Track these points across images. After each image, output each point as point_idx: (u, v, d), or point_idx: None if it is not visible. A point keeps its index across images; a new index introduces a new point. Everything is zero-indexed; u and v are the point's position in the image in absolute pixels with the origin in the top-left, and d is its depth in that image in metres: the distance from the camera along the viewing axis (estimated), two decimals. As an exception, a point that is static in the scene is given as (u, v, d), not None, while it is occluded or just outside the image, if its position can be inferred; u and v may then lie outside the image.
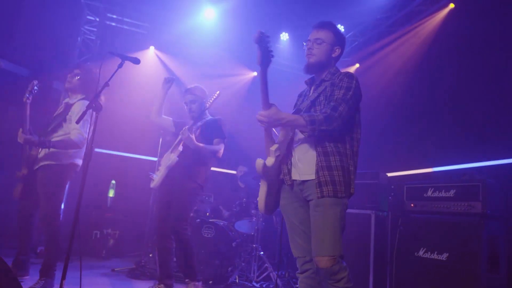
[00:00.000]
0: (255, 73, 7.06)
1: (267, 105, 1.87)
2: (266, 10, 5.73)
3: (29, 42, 5.36)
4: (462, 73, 4.29)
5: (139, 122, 5.90)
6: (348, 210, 4.09)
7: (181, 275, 3.85)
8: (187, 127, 3.06)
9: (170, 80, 3.30)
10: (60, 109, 3.22)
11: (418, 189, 3.56)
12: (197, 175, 3.19)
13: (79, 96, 3.21)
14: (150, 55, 6.27)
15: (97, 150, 5.81)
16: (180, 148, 3.13)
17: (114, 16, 5.84)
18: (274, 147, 1.98)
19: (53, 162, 3.06)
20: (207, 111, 3.37)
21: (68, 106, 3.14)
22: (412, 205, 3.58)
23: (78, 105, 3.12)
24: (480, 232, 2.88)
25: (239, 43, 6.25)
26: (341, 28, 5.93)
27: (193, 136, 3.04)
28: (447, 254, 3.06)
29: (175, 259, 3.22)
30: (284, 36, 6.33)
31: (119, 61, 2.55)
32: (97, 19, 5.78)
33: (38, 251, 4.59)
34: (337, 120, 1.85)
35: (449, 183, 3.30)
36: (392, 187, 3.86)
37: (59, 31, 5.56)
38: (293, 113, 2.11)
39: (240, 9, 5.62)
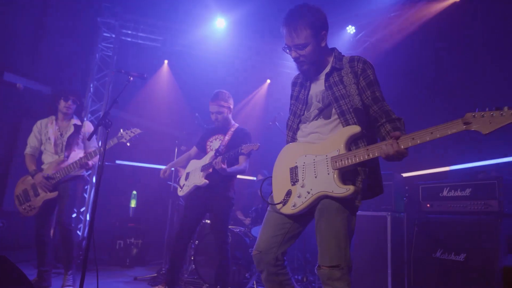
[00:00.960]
0: (268, 81, 7.20)
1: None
2: (276, 15, 5.78)
3: (50, 61, 5.64)
4: (476, 67, 4.19)
5: (157, 133, 6.08)
6: (364, 212, 4.08)
7: (197, 281, 3.95)
8: (220, 158, 3.06)
9: (164, 174, 3.49)
10: (69, 130, 3.54)
11: (433, 189, 3.50)
12: (227, 190, 3.30)
13: (72, 119, 3.63)
14: (164, 69, 6.46)
15: (118, 162, 6.03)
16: (210, 170, 3.22)
17: (129, 32, 6.05)
18: None
19: (75, 174, 3.44)
20: (231, 119, 3.46)
21: (78, 127, 3.53)
22: (428, 205, 3.52)
23: (88, 125, 3.59)
24: (497, 231, 2.81)
25: (252, 51, 6.32)
26: (351, 29, 5.91)
27: (225, 166, 3.09)
28: (465, 254, 2.99)
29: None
30: (295, 40, 6.36)
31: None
32: (113, 36, 6.01)
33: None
34: None
35: (465, 181, 3.23)
36: (407, 188, 3.80)
37: (78, 49, 5.83)
38: (295, 107, 2.02)
39: (251, 16, 5.70)
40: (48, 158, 3.49)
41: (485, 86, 4.04)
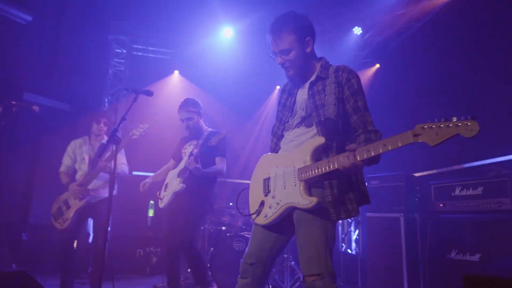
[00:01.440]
0: (278, 87, 7.26)
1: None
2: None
3: (66, 79, 5.86)
4: (488, 63, 4.11)
5: (170, 142, 6.20)
6: (376, 214, 4.07)
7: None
8: (192, 157, 3.04)
9: (143, 187, 3.44)
10: (95, 149, 3.84)
11: (445, 188, 3.47)
12: (204, 195, 3.26)
13: (103, 139, 3.89)
14: (175, 79, 6.61)
15: (135, 173, 6.17)
16: (186, 174, 3.18)
17: (140, 47, 6.25)
18: None
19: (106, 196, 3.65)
20: (204, 124, 3.43)
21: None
22: (441, 205, 3.48)
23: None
24: (511, 229, 2.76)
25: (259, 58, 6.37)
26: (358, 30, 5.90)
27: (199, 165, 3.04)
28: (479, 254, 2.95)
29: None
30: (303, 44, 6.38)
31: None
32: (124, 51, 6.22)
33: (89, 271, 4.96)
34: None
35: (476, 179, 3.19)
36: (417, 188, 3.77)
37: (92, 66, 6.04)
38: (281, 114, 2.03)
39: (257, 24, 5.77)
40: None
41: (500, 81, 3.96)
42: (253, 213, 1.92)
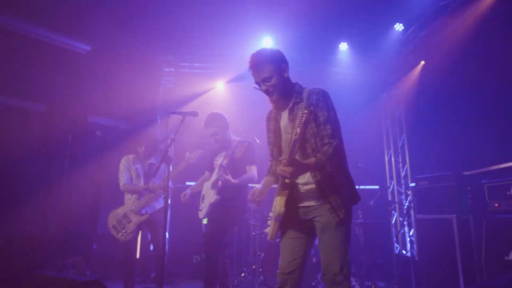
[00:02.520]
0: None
1: (291, 160, 1.93)
2: (323, 23, 5.86)
3: (123, 99, 6.39)
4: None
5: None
6: (427, 216, 3.98)
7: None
8: (222, 170, 3.28)
9: (184, 197, 3.67)
10: (145, 167, 4.18)
11: (499, 187, 3.33)
12: (236, 201, 3.43)
13: (149, 159, 4.21)
14: (219, 89, 6.92)
15: (187, 183, 6.56)
16: (220, 184, 3.37)
17: (186, 64, 6.63)
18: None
19: (162, 205, 4.09)
20: (231, 135, 3.61)
21: (154, 166, 4.11)
22: (496, 204, 3.35)
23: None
24: None
25: (301, 65, 6.46)
26: (400, 26, 5.76)
27: (229, 177, 3.27)
28: (540, 256, 2.80)
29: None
30: (343, 46, 6.37)
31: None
32: (172, 70, 6.64)
33: (152, 277, 5.38)
34: (336, 141, 2.05)
35: (532, 177, 3.03)
36: (469, 188, 3.64)
37: (144, 86, 6.52)
38: (273, 139, 2.25)
39: (297, 33, 5.88)
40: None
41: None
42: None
